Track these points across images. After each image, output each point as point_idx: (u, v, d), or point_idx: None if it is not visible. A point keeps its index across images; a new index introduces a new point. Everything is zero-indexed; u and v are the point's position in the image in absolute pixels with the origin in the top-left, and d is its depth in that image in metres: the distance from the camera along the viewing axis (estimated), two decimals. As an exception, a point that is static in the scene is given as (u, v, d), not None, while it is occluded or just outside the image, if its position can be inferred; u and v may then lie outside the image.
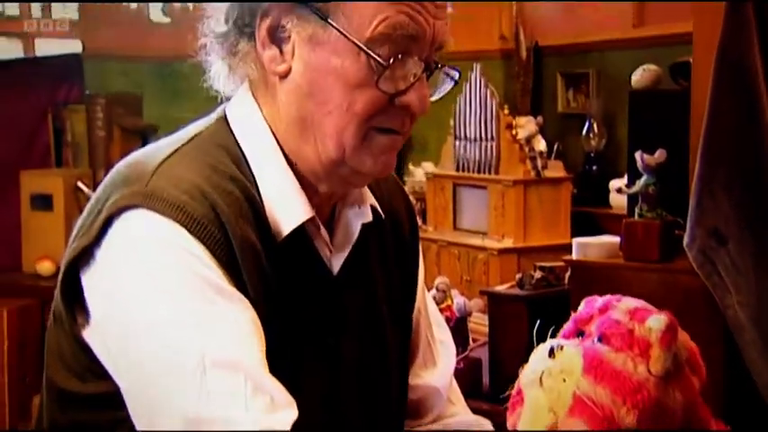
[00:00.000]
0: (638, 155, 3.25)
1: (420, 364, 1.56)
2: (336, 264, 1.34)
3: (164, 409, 1.16)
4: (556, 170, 4.13)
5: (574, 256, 3.38)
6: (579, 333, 1.23)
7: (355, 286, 1.38)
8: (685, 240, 2.96)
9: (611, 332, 1.21)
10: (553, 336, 1.30)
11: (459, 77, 1.26)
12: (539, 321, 1.33)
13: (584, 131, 4.20)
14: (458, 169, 4.21)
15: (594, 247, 3.34)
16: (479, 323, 3.64)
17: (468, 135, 4.14)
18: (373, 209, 1.38)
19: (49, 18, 5.61)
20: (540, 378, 1.17)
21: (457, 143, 4.18)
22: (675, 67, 3.57)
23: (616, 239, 3.34)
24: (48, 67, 4.13)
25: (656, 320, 1.20)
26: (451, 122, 4.21)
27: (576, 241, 3.41)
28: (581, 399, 1.13)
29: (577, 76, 4.39)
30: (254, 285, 1.21)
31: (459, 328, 3.41)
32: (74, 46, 4.65)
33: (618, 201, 3.86)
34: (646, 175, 3.24)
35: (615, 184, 3.95)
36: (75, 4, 5.29)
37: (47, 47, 5.40)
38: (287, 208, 1.28)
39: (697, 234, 2.94)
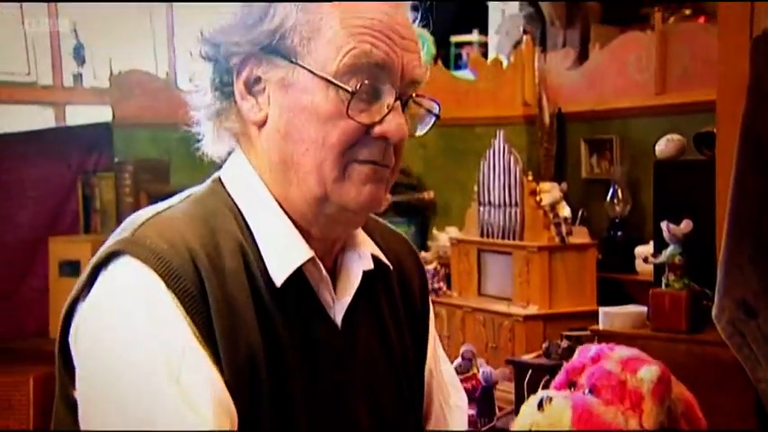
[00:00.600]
0: (664, 225, 3.23)
1: (432, 426, 1.54)
2: (339, 311, 1.33)
3: None
4: (581, 236, 4.09)
5: (600, 326, 3.35)
6: (571, 384, 1.23)
7: (362, 336, 1.36)
8: (714, 312, 2.92)
9: (602, 384, 1.20)
10: (546, 387, 1.28)
11: (440, 111, 1.30)
12: (530, 371, 1.31)
13: (608, 197, 4.17)
14: (482, 235, 4.18)
15: (621, 316, 3.30)
16: (506, 391, 3.58)
17: (491, 201, 4.12)
18: (377, 259, 1.38)
19: (80, 87, 5.67)
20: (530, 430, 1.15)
21: (481, 209, 4.16)
22: (699, 137, 3.55)
23: (643, 309, 3.30)
24: (78, 135, 4.17)
25: (648, 371, 1.21)
26: (475, 188, 4.17)
27: (602, 311, 3.37)
28: None
29: (601, 142, 4.38)
30: (232, 339, 1.19)
31: (485, 398, 3.36)
32: (104, 114, 4.66)
33: (644, 267, 3.82)
34: (672, 245, 3.22)
35: (641, 250, 3.91)
36: (106, 74, 5.33)
37: (78, 115, 5.46)
38: (284, 252, 1.27)
39: (725, 305, 2.90)
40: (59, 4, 5.76)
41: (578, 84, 4.51)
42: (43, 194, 4.62)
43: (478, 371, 3.52)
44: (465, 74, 5.12)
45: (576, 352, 1.30)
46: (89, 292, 1.20)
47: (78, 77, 5.78)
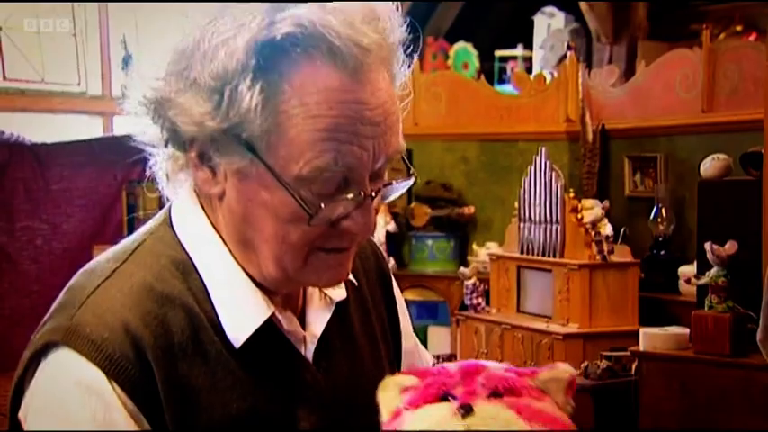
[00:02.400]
0: (708, 246, 3.14)
1: None
2: (311, 346, 1.26)
3: None
4: (622, 254, 4.00)
5: (641, 347, 3.26)
6: (444, 397, 1.14)
7: (336, 362, 1.29)
8: (759, 335, 2.84)
9: (515, 385, 1.14)
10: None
11: (416, 179, 1.22)
12: None
13: (651, 216, 4.06)
14: (522, 252, 4.09)
15: (662, 337, 3.21)
16: (543, 411, 3.47)
17: (532, 217, 4.04)
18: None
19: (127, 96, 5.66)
20: None
21: (521, 225, 4.08)
22: (746, 157, 3.44)
23: (685, 331, 3.20)
24: (124, 145, 4.13)
25: (561, 372, 1.17)
26: (516, 204, 4.08)
27: (643, 332, 3.28)
28: None
29: (645, 159, 4.27)
30: (187, 420, 1.12)
31: None
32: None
33: (687, 287, 3.73)
34: (716, 267, 3.12)
35: (684, 270, 3.81)
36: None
37: (125, 125, 5.45)
38: (242, 313, 1.19)
39: None
40: (111, 17, 5.78)
41: (623, 100, 4.41)
42: (90, 203, 4.63)
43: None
44: (508, 89, 5.04)
45: (422, 383, 1.18)
46: (32, 376, 1.13)
47: (126, 88, 5.77)
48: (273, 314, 1.20)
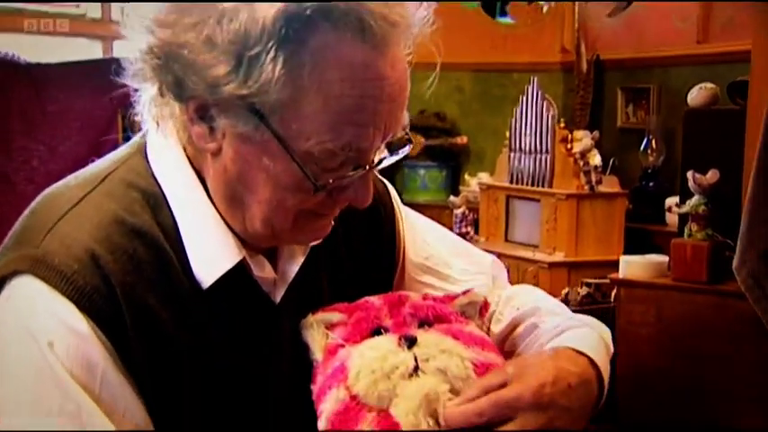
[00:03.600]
0: (689, 174, 3.10)
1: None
2: (280, 290, 1.22)
3: None
4: (611, 185, 3.97)
5: (620, 275, 3.24)
6: (377, 330, 1.16)
7: (303, 306, 1.24)
8: (735, 263, 2.81)
9: (442, 312, 1.20)
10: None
11: (412, 146, 1.21)
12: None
13: (642, 147, 4.01)
14: (511, 181, 4.07)
15: (641, 265, 3.18)
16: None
17: (523, 147, 4.01)
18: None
19: (127, 19, 5.60)
20: (416, 368, 1.09)
21: (511, 155, 4.05)
22: (733, 87, 3.38)
23: (664, 259, 3.17)
24: (122, 68, 4.10)
25: (476, 296, 1.24)
26: (507, 134, 4.02)
27: (622, 259, 3.26)
28: (481, 365, 1.12)
29: (638, 90, 4.22)
30: (152, 351, 1.08)
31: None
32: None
33: (673, 218, 3.68)
34: (697, 196, 3.08)
35: (671, 201, 3.76)
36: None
37: (124, 49, 5.40)
38: (211, 256, 1.15)
39: (747, 258, 2.79)
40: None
41: (618, 30, 4.33)
42: (86, 125, 4.60)
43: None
44: (507, 20, 4.95)
45: (350, 324, 1.21)
46: None
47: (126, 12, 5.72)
48: (244, 258, 1.16)
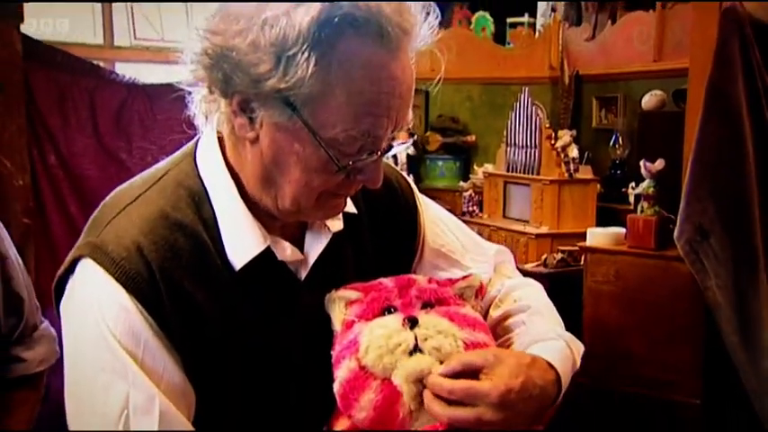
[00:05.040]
0: (642, 163, 3.00)
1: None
2: (305, 270, 1.14)
3: None
4: (586, 173, 3.88)
5: (587, 243, 3.14)
6: (387, 309, 1.11)
7: (326, 285, 1.16)
8: (675, 233, 2.75)
9: (443, 296, 1.14)
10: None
11: (415, 137, 1.14)
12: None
13: (611, 143, 3.90)
14: (508, 170, 3.98)
15: (604, 236, 3.09)
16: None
17: (517, 143, 3.91)
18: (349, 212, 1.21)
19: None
20: (416, 346, 1.05)
21: (508, 149, 3.96)
22: (677, 93, 3.28)
23: (621, 230, 3.09)
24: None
25: (475, 279, 1.19)
26: (505, 132, 3.94)
27: (589, 231, 3.17)
28: (471, 344, 1.08)
29: (608, 99, 4.11)
30: (188, 329, 1.04)
31: None
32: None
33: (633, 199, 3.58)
34: (648, 180, 2.98)
35: (630, 186, 3.67)
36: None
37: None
38: (242, 242, 1.10)
39: (685, 229, 2.73)
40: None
41: (593, 52, 4.22)
42: (185, 130, 4.61)
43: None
44: (511, 46, 4.84)
45: (363, 301, 1.15)
46: (69, 278, 1.07)
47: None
48: (269, 245, 1.11)
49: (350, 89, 0.98)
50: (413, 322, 1.07)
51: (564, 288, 3.12)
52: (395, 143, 1.07)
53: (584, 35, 4.29)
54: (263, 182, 1.08)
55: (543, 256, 3.24)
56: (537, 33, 4.57)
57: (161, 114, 4.45)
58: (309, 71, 0.96)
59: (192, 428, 1.03)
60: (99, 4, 5.24)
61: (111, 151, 3.91)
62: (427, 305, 1.12)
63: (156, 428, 0.99)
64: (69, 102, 3.71)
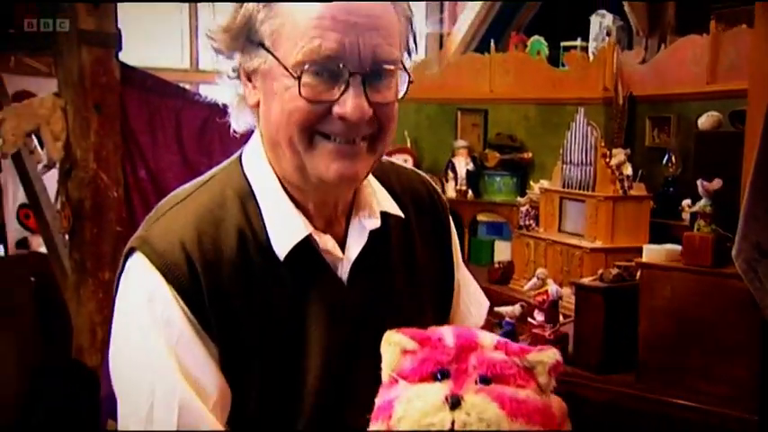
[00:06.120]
0: (699, 182, 2.84)
1: (459, 321, 1.29)
2: (346, 268, 1.08)
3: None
4: (639, 190, 3.71)
5: (643, 259, 2.97)
6: (440, 372, 0.88)
7: (370, 286, 1.09)
8: (733, 252, 2.60)
9: (503, 372, 0.88)
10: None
11: (410, 78, 1.02)
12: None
13: (664, 161, 3.73)
14: (563, 186, 3.82)
15: (660, 252, 2.92)
16: (570, 303, 3.26)
17: (573, 160, 3.76)
18: (384, 214, 1.13)
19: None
20: (452, 430, 0.81)
21: (564, 166, 3.80)
22: (734, 114, 3.09)
23: (677, 247, 2.91)
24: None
25: (548, 356, 0.91)
26: (561, 151, 3.79)
27: (645, 247, 3.00)
28: None
29: (661, 119, 3.93)
30: (225, 322, 0.99)
31: (552, 308, 3.09)
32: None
33: (687, 216, 3.40)
34: (704, 198, 2.80)
35: (686, 203, 3.50)
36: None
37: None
38: (285, 231, 1.04)
39: (743, 247, 2.56)
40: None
41: (646, 74, 4.04)
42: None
43: (548, 287, 3.23)
44: (566, 68, 4.69)
45: (422, 348, 0.93)
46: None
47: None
48: (311, 235, 1.05)
49: (299, 10, 0.96)
50: (454, 403, 0.85)
51: (619, 302, 2.96)
52: (379, 84, 0.99)
53: (638, 58, 4.13)
54: (272, 145, 1.04)
55: (599, 271, 3.07)
56: (591, 56, 4.42)
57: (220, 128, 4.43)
58: (274, 6, 0.98)
59: (211, 420, 0.97)
60: (187, 33, 5.28)
61: (194, 166, 3.89)
62: (485, 380, 0.89)
63: (173, 421, 0.94)
64: (158, 121, 3.71)
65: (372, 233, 1.10)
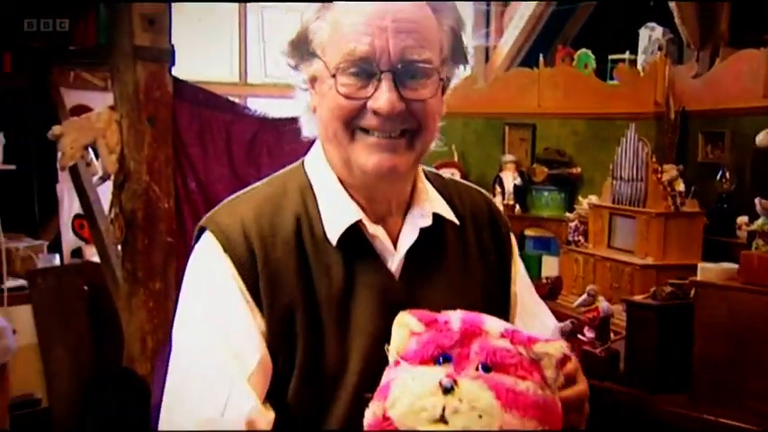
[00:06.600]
0: (757, 200, 2.77)
1: None
2: (396, 262, 1.15)
3: (174, 389, 1.08)
4: (692, 206, 3.61)
5: (698, 277, 2.89)
6: (441, 356, 0.88)
7: (425, 282, 1.15)
8: None
9: (504, 361, 0.86)
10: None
11: (443, 81, 1.13)
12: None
13: (717, 177, 3.64)
14: (614, 202, 3.76)
15: (714, 270, 2.85)
16: (621, 320, 3.20)
17: (623, 176, 3.70)
18: (439, 216, 1.20)
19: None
20: (443, 416, 0.79)
21: (614, 182, 3.73)
22: (793, 131, 2.98)
23: (734, 266, 2.83)
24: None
25: (554, 348, 0.89)
26: (611, 166, 3.72)
27: (700, 265, 2.92)
28: None
29: (715, 134, 3.84)
30: (273, 294, 1.08)
31: (603, 325, 3.04)
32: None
33: (741, 233, 3.33)
34: (763, 217, 2.74)
35: (741, 220, 3.41)
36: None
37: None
38: (338, 218, 1.14)
39: None
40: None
41: (700, 89, 3.95)
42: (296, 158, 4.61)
43: (599, 305, 3.18)
44: (615, 82, 4.62)
45: (428, 330, 0.93)
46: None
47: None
48: (361, 222, 1.13)
49: (338, 19, 1.08)
50: (446, 389, 0.83)
51: (673, 321, 2.88)
52: (412, 82, 1.08)
53: (690, 72, 4.04)
54: (326, 144, 1.15)
55: (652, 289, 3.00)
56: (642, 70, 4.34)
57: (287, 145, 4.45)
58: (324, 18, 1.10)
59: (241, 389, 1.02)
60: (236, 47, 5.35)
61: (243, 178, 3.93)
62: (486, 367, 0.88)
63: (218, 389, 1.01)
64: (208, 134, 3.76)
65: (428, 235, 1.17)
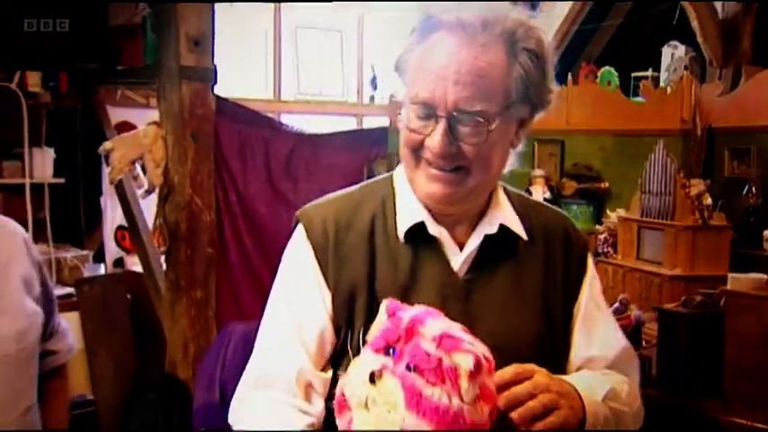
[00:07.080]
0: (784, 212, 2.80)
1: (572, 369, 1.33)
2: (459, 262, 1.26)
3: (258, 340, 1.28)
4: (719, 220, 3.67)
5: (728, 287, 2.95)
6: (389, 347, 0.97)
7: (490, 284, 1.25)
8: None
9: (423, 366, 0.92)
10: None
11: (488, 125, 1.19)
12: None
13: (744, 192, 3.69)
14: (642, 215, 3.82)
15: (744, 280, 2.91)
16: (652, 328, 3.26)
17: (652, 190, 3.76)
18: (505, 228, 1.29)
19: (373, 105, 5.75)
20: (366, 402, 0.91)
21: (643, 196, 3.80)
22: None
23: (763, 276, 2.89)
24: (366, 135, 4.18)
25: (465, 360, 0.92)
26: (639, 181, 3.80)
27: (730, 276, 2.99)
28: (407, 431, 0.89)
29: (741, 150, 3.92)
30: (340, 276, 1.23)
31: (635, 333, 3.11)
32: (385, 121, 4.64)
33: (768, 246, 3.37)
34: (790, 229, 2.77)
35: (767, 233, 3.45)
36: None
37: (371, 124, 5.54)
38: (408, 218, 1.28)
39: None
40: (365, 51, 5.83)
41: (726, 107, 4.03)
42: (344, 174, 4.69)
43: (632, 313, 3.25)
44: (639, 99, 4.70)
45: (386, 316, 1.04)
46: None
47: (372, 98, 5.86)
48: (424, 222, 1.26)
49: (416, 62, 1.20)
50: (371, 379, 0.93)
51: (703, 329, 2.94)
52: (464, 128, 1.18)
53: (717, 91, 4.12)
54: (402, 162, 1.28)
55: (683, 297, 3.07)
56: (668, 89, 4.42)
57: (324, 160, 4.56)
58: (413, 51, 1.22)
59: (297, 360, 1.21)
60: (271, 65, 5.49)
61: (281, 192, 4.04)
62: (409, 367, 0.94)
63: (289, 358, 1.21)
64: (248, 149, 3.86)
65: (497, 244, 1.27)
